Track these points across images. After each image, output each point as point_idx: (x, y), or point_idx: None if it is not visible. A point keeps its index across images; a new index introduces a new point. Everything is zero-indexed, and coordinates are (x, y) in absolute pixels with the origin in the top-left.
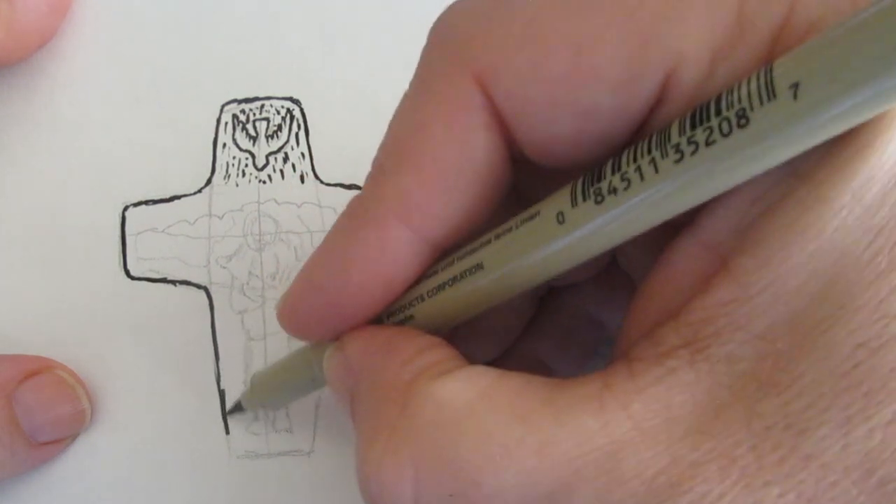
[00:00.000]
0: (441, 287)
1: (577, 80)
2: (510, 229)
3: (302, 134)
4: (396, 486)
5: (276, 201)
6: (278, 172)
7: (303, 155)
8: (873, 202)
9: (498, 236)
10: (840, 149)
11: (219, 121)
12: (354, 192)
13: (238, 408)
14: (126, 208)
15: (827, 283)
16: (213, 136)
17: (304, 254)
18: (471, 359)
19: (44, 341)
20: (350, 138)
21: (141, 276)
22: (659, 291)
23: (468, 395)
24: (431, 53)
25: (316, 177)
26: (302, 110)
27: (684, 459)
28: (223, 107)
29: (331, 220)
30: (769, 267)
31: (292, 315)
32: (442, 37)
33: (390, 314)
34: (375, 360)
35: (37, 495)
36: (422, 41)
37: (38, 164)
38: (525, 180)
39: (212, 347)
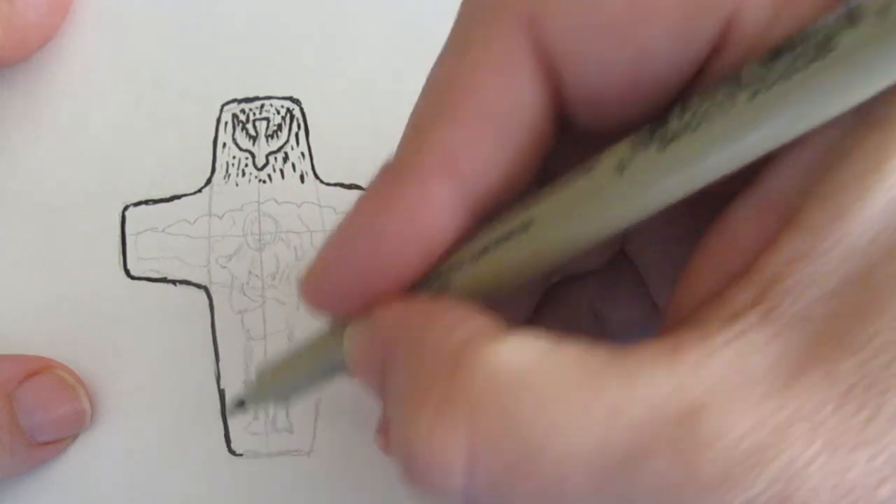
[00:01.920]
0: (485, 250)
1: (633, 22)
2: (563, 183)
3: (302, 134)
4: (447, 460)
5: (276, 201)
6: (278, 172)
7: (303, 155)
8: None
9: (550, 192)
10: None
11: (219, 120)
12: (354, 192)
13: (240, 405)
14: (126, 208)
15: None
16: (213, 135)
17: (304, 254)
18: None
19: (44, 341)
20: (350, 138)
21: (141, 275)
22: (721, 252)
23: (528, 358)
24: (474, 1)
25: (316, 177)
26: (302, 110)
27: (767, 423)
28: (223, 107)
29: (331, 219)
30: (842, 220)
31: (319, 286)
32: None
33: (424, 284)
34: (415, 328)
35: (37, 495)
36: (422, 41)
37: (38, 164)
38: (564, 153)
39: (212, 347)
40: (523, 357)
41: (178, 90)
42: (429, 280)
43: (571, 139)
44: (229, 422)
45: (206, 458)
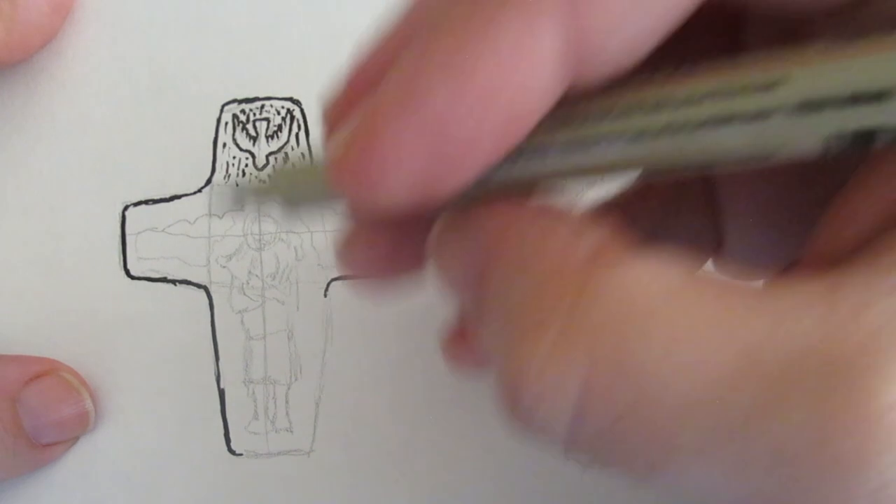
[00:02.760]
0: (682, 127)
1: None
2: (727, 92)
3: (302, 134)
4: (557, 400)
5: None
6: None
7: (303, 155)
8: None
9: (702, 98)
10: None
11: (219, 121)
12: None
13: (238, 197)
14: (126, 208)
15: None
16: (213, 136)
17: (304, 253)
18: None
19: (44, 341)
20: None
21: (141, 275)
22: (879, 189)
23: (663, 286)
24: None
25: None
26: (302, 110)
27: None
28: (223, 107)
29: (331, 219)
30: None
31: (366, 156)
32: None
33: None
34: (528, 234)
35: (38, 495)
36: None
37: (38, 164)
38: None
39: (212, 347)
40: (660, 285)
41: (178, 90)
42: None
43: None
44: (229, 421)
45: (205, 458)
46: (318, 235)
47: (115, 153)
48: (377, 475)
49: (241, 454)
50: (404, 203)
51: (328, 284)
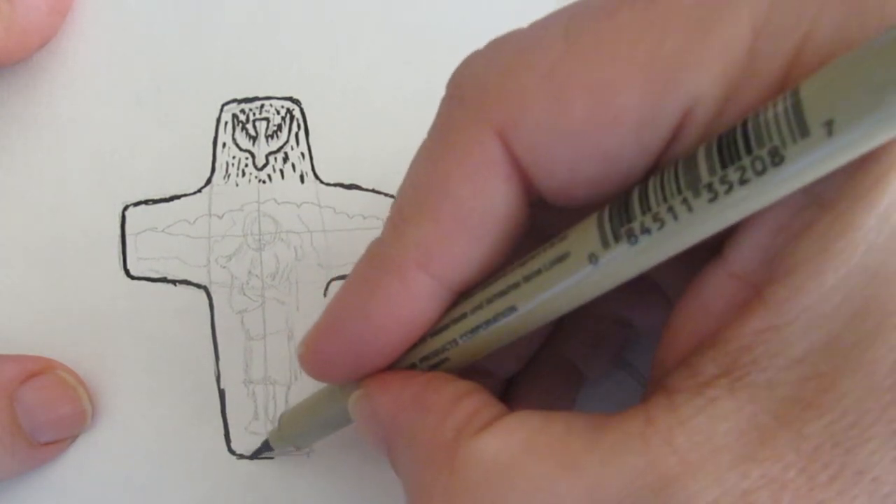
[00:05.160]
0: (475, 330)
1: (597, 127)
2: (539, 271)
3: (302, 134)
4: None
5: (275, 201)
6: (278, 172)
7: (302, 155)
8: None
9: (527, 278)
10: (862, 176)
11: (219, 121)
12: (354, 192)
13: (265, 447)
14: (126, 208)
15: (861, 303)
16: (213, 135)
17: (304, 253)
18: (498, 375)
19: (44, 341)
20: (350, 138)
21: (141, 275)
22: (692, 320)
23: (513, 448)
24: (451, 105)
25: (316, 177)
26: (302, 110)
27: (735, 489)
28: (223, 107)
29: (330, 219)
30: (803, 293)
31: (314, 358)
32: (461, 89)
33: (424, 359)
34: (410, 418)
35: (37, 495)
36: (421, 42)
37: (38, 164)
38: (540, 215)
39: (212, 347)
40: (511, 445)
41: (178, 90)
42: (429, 355)
43: (543, 206)
44: (229, 421)
45: (206, 458)
46: (317, 235)
47: (115, 153)
48: (377, 475)
49: (241, 454)
50: (345, 379)
51: (328, 284)
